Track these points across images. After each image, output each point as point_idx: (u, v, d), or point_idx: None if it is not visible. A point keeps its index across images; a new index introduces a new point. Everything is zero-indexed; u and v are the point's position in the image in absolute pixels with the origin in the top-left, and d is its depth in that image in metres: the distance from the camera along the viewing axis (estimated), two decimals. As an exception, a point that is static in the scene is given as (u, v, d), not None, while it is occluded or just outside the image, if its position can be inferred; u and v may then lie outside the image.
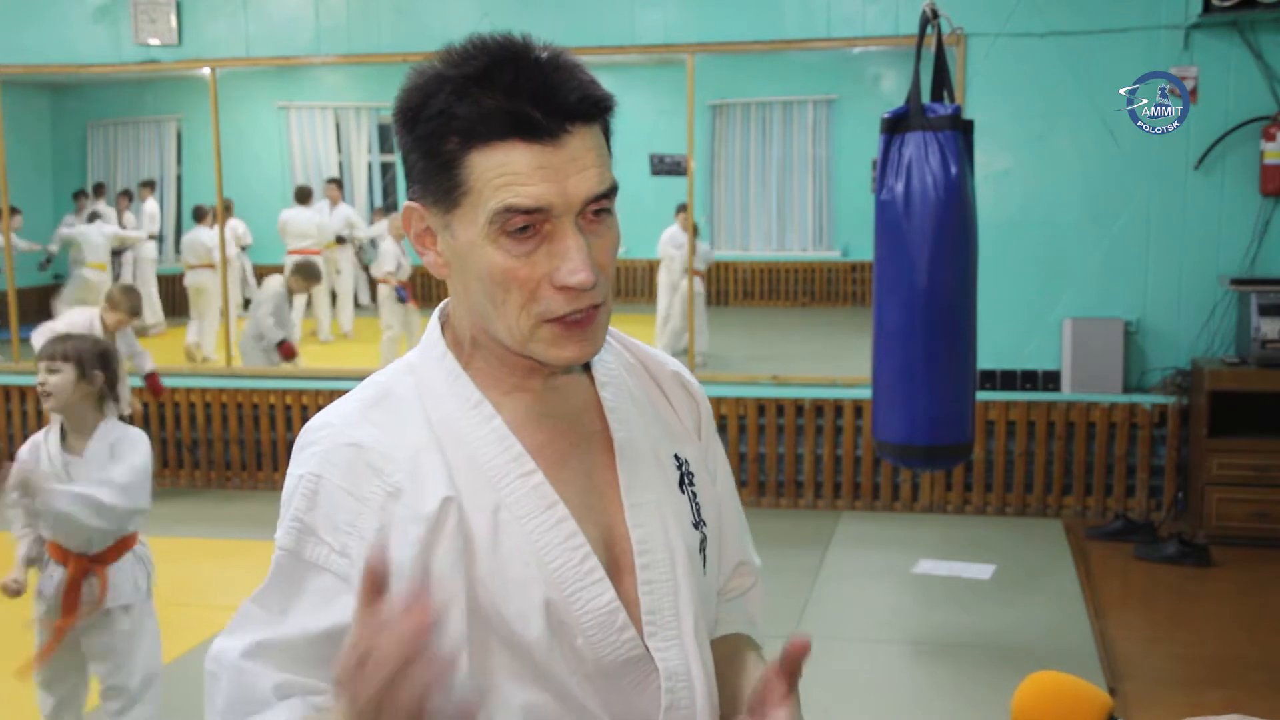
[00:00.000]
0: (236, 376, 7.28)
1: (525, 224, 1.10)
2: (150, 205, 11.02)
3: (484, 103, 1.10)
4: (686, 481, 1.29)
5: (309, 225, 10.45)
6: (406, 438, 1.17)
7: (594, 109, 1.13)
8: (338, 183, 11.37)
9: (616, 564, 1.20)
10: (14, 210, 10.46)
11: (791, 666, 1.17)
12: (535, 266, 1.12)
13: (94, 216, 10.38)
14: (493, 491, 1.16)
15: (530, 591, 1.15)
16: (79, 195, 10.76)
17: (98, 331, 6.14)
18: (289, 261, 10.34)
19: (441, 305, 1.27)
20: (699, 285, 9.41)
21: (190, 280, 9.83)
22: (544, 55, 1.12)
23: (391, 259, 9.45)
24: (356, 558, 1.12)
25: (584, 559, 1.17)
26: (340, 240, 10.99)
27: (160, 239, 11.32)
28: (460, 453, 1.17)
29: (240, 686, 1.13)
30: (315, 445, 1.16)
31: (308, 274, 8.02)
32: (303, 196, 10.67)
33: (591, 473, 1.23)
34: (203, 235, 9.71)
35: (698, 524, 1.29)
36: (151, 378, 6.68)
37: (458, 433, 1.18)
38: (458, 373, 1.21)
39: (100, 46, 7.08)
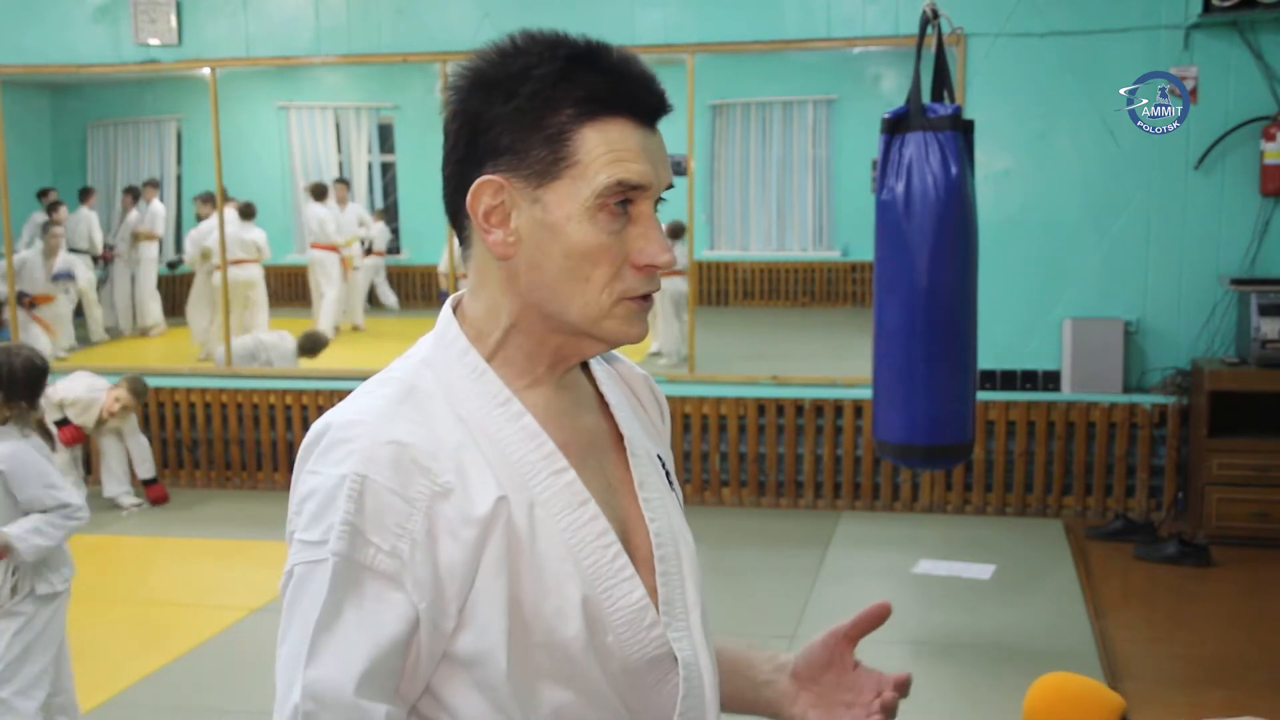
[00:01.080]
0: (236, 376, 7.28)
1: (625, 198, 1.15)
2: (157, 205, 11.01)
3: (594, 80, 1.15)
4: (671, 480, 1.33)
5: (330, 222, 10.56)
6: (445, 435, 1.15)
7: (667, 108, 1.21)
8: (345, 183, 11.45)
9: (632, 559, 1.21)
10: (46, 191, 10.50)
11: (866, 630, 1.22)
12: (622, 245, 1.17)
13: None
14: (526, 489, 1.16)
15: (567, 589, 1.15)
16: (44, 193, 10.72)
17: (99, 403, 6.41)
18: (311, 256, 10.47)
19: (451, 297, 1.26)
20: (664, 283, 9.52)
21: (237, 275, 9.91)
22: (625, 52, 1.19)
23: None
24: (407, 559, 1.09)
25: (615, 556, 1.18)
26: (367, 251, 11.20)
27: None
28: (492, 450, 1.16)
29: None
30: (351, 443, 1.12)
31: (315, 348, 8.06)
32: (320, 193, 10.78)
33: (605, 470, 1.25)
34: (252, 233, 9.82)
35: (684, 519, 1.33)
36: (154, 486, 6.94)
37: (487, 430, 1.17)
38: (482, 369, 1.20)
39: (100, 46, 7.08)
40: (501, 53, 1.16)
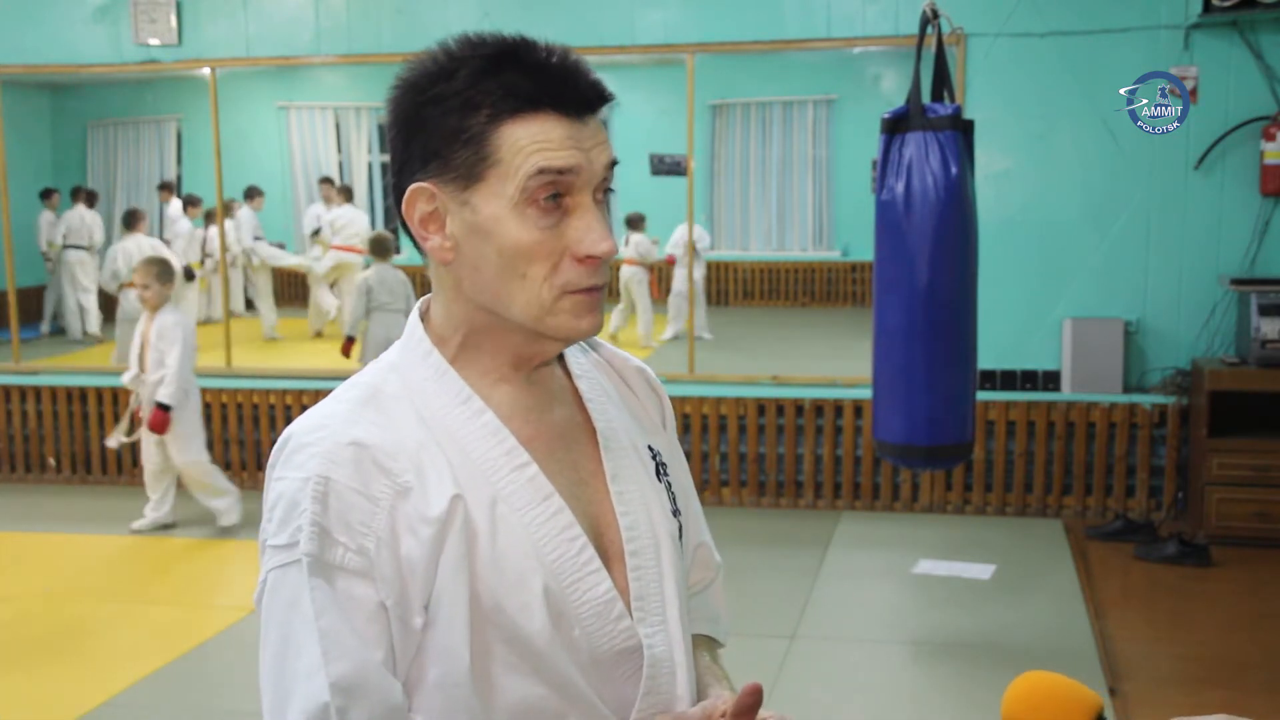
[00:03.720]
0: (236, 376, 7.28)
1: (554, 191, 1.14)
2: (175, 207, 11.01)
3: (515, 77, 1.14)
4: (662, 471, 1.33)
5: (361, 223, 10.83)
6: (405, 435, 1.16)
7: (603, 99, 1.18)
8: (330, 181, 11.45)
9: (604, 553, 1.22)
10: (50, 191, 10.55)
11: (746, 716, 1.17)
12: (558, 239, 1.16)
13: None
14: (488, 486, 1.17)
15: (530, 583, 1.15)
16: (47, 194, 10.73)
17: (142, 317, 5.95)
18: (346, 258, 10.66)
19: (420, 302, 1.28)
20: (644, 274, 9.89)
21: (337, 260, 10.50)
22: (554, 46, 1.17)
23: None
24: (373, 556, 1.11)
25: (581, 549, 1.19)
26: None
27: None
28: (454, 448, 1.18)
29: None
30: (314, 447, 1.14)
31: (387, 249, 7.67)
32: (349, 195, 10.90)
33: (577, 463, 1.25)
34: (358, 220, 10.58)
35: (675, 512, 1.32)
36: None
37: (448, 428, 1.18)
38: (444, 368, 1.21)
39: (100, 46, 7.08)
40: (432, 58, 1.17)
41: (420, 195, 1.17)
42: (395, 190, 1.20)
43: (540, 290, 1.16)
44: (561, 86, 1.15)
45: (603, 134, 1.19)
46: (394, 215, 1.26)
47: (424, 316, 1.26)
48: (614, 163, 1.19)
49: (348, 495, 1.11)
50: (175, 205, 11.00)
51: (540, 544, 1.17)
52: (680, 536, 1.32)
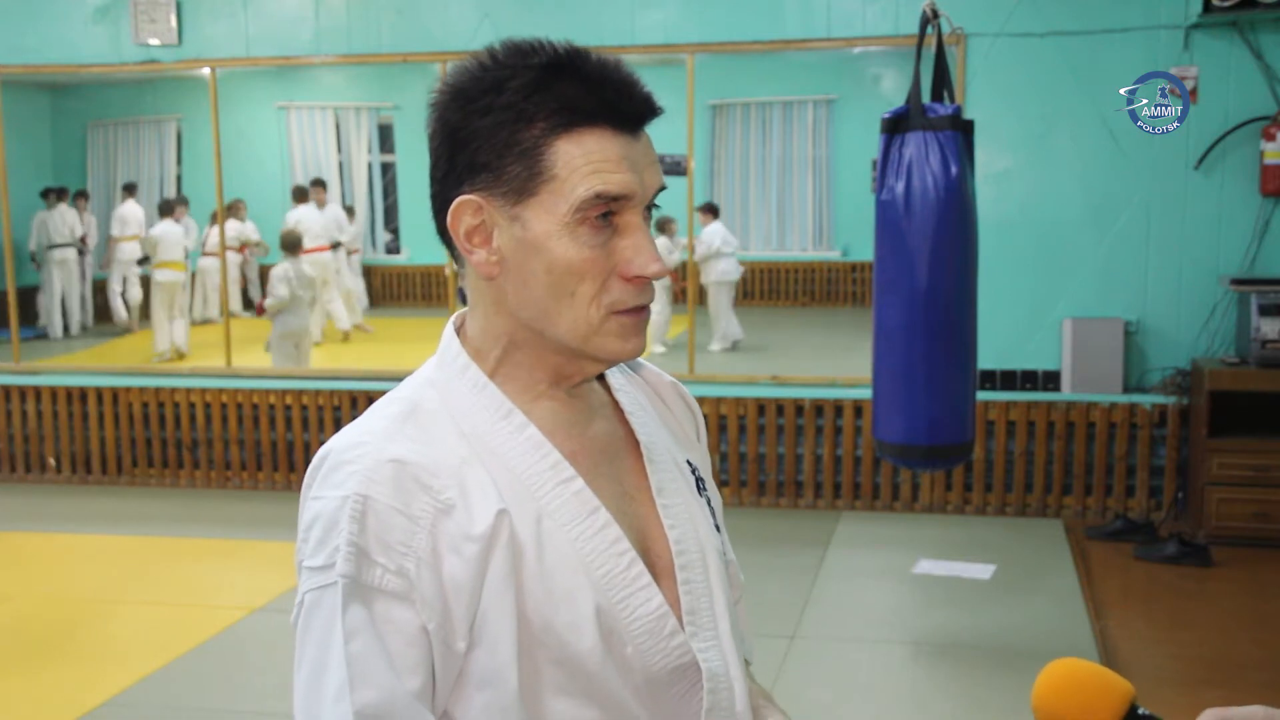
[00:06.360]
0: (236, 376, 7.28)
1: (607, 211, 1.12)
2: (129, 208, 11.00)
3: (570, 91, 1.11)
4: (701, 486, 1.30)
5: (315, 224, 10.62)
6: (447, 452, 1.13)
7: (655, 112, 1.16)
8: (322, 184, 11.32)
9: (652, 569, 1.19)
10: (49, 191, 10.56)
11: None
12: (608, 257, 1.13)
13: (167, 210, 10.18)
14: (533, 501, 1.14)
15: (579, 600, 1.12)
16: (47, 193, 10.74)
17: None
18: (314, 259, 10.60)
19: (454, 316, 1.25)
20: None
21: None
22: (607, 57, 1.15)
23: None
24: (414, 577, 1.08)
25: (630, 564, 1.15)
26: (335, 245, 10.98)
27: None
28: (496, 464, 1.14)
29: None
30: (353, 465, 1.10)
31: (294, 244, 8.06)
32: (301, 195, 10.72)
33: (621, 478, 1.22)
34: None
35: (716, 527, 1.29)
36: None
37: (489, 444, 1.15)
38: (484, 383, 1.18)
39: (100, 46, 7.08)
40: (480, 65, 1.14)
41: (467, 208, 1.14)
42: (437, 200, 1.16)
43: (588, 309, 1.13)
44: (617, 99, 1.12)
45: (653, 152, 1.16)
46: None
47: (459, 331, 1.23)
48: (663, 188, 1.17)
49: (387, 514, 1.08)
50: (129, 206, 10.97)
51: (588, 559, 1.13)
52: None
